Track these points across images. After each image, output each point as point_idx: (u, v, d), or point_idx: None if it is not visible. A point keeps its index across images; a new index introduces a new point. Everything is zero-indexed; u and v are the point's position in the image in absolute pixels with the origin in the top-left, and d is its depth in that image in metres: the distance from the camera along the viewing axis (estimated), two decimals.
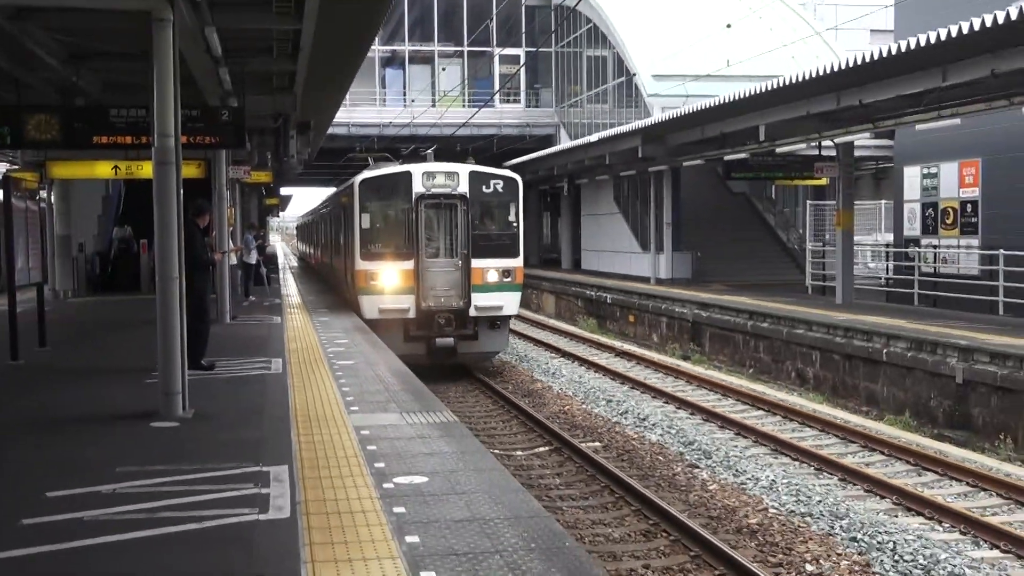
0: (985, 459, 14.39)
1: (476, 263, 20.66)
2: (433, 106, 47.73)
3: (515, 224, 21.40)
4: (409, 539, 6.25)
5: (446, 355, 20.15)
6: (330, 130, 36.13)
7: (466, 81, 50.92)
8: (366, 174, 21.85)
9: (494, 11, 49.23)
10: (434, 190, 20.32)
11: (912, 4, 28.52)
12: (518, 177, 21.84)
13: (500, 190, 21.16)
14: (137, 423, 9.93)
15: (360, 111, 45.20)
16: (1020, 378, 15.16)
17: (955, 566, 9.95)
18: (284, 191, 54.70)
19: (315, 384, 12.64)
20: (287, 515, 6.71)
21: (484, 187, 21.07)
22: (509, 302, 21.16)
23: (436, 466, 8.26)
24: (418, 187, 20.29)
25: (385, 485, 7.59)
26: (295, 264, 58.21)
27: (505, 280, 20.75)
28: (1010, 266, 22.49)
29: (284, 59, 17.08)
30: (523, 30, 50.84)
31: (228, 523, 6.54)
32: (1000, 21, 14.38)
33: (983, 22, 14.76)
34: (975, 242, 25.66)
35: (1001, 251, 22.96)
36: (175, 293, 10.32)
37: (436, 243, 20.61)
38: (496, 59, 51.11)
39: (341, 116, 35.82)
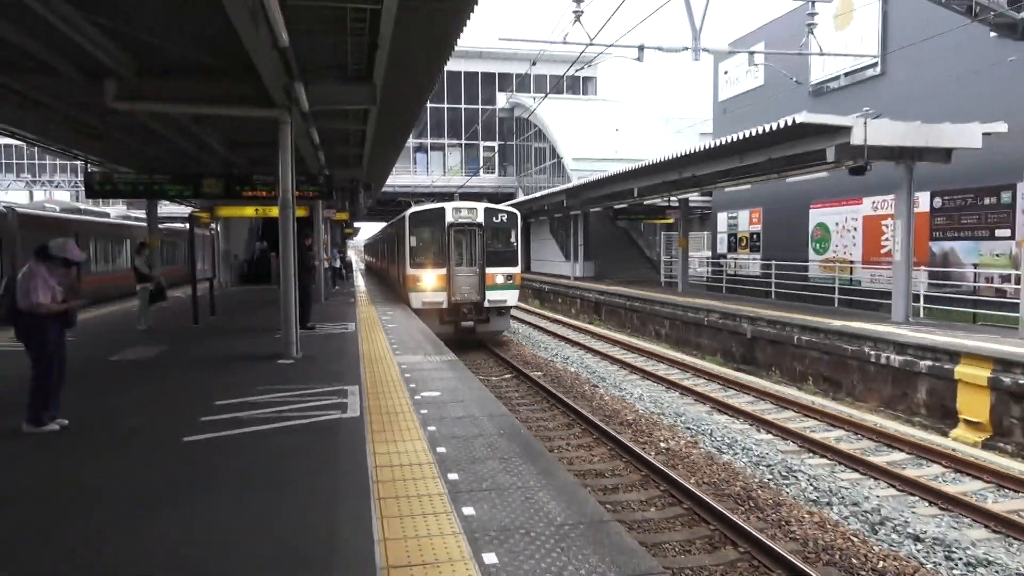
0: (764, 382, 14.82)
1: (489, 270, 18.58)
2: (443, 175, 48.55)
3: (515, 243, 19.15)
4: (430, 428, 6.41)
5: (468, 333, 18.46)
6: (383, 189, 36.40)
7: (463, 160, 51.95)
8: (413, 209, 19.29)
9: (479, 120, 50.13)
10: (460, 220, 18.47)
11: (723, 117, 29.25)
12: (518, 212, 19.56)
13: (505, 220, 19.03)
14: (269, 361, 10.02)
15: (401, 177, 45.51)
16: (783, 335, 15.69)
17: (746, 444, 10.41)
18: (356, 224, 55.29)
19: (374, 338, 12.68)
20: (358, 415, 6.85)
21: (495, 218, 18.88)
22: (511, 297, 19.16)
23: (445, 386, 8.40)
24: (449, 218, 18.38)
25: (415, 397, 7.72)
26: (363, 268, 58.19)
27: (508, 282, 18.83)
28: (778, 271, 23.19)
29: (356, 147, 17.33)
30: (497, 131, 52.39)
31: (323, 419, 6.68)
32: (771, 130, 14.90)
33: (761, 130, 15.24)
34: (758, 256, 26.28)
35: (773, 262, 23.62)
36: (290, 283, 10.44)
37: (461, 256, 18.56)
38: (480, 148, 52.44)
39: (390, 180, 35.90)
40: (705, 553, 6.89)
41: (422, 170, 51.45)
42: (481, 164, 51.71)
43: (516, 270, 19.14)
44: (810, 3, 12.59)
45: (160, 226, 22.76)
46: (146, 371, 9.63)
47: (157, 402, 7.78)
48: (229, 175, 14.63)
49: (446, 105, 51.83)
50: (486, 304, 18.72)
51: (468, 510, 4.47)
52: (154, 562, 3.85)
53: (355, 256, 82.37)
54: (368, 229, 66.88)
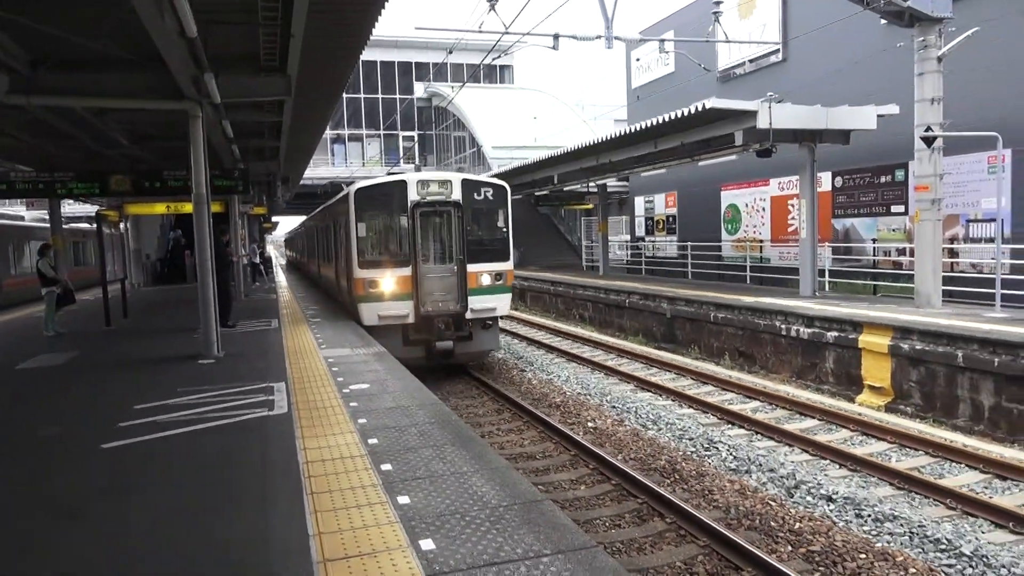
0: (684, 359, 15.32)
1: (471, 267, 13.33)
2: (363, 166, 47.62)
3: (504, 229, 13.93)
4: (360, 421, 6.34)
5: (444, 356, 13.22)
6: (302, 181, 35.45)
7: (382, 151, 51.17)
8: (361, 184, 13.93)
9: (398, 110, 49.30)
10: (429, 198, 13.17)
11: (636, 104, 29.79)
12: (506, 185, 14.10)
13: (490, 197, 13.73)
14: (188, 361, 9.70)
15: (319, 169, 44.35)
16: (700, 313, 16.22)
17: (669, 419, 10.71)
18: (275, 219, 53.84)
19: (299, 334, 12.42)
20: (286, 411, 6.71)
21: (475, 194, 13.62)
22: (502, 303, 13.80)
23: (374, 378, 8.30)
24: (413, 195, 13.07)
25: (344, 390, 7.61)
26: (283, 263, 56.86)
27: (497, 283, 13.62)
28: (693, 251, 23.90)
29: (272, 139, 16.74)
30: (416, 121, 51.85)
31: (250, 417, 6.51)
32: (682, 115, 15.30)
33: (673, 116, 15.61)
34: (674, 239, 27.02)
35: (689, 243, 24.33)
36: (208, 281, 10.09)
37: (432, 249, 13.42)
38: (400, 138, 51.62)
39: (308, 173, 34.83)
40: (634, 526, 7.08)
41: (340, 161, 50.49)
42: (401, 154, 51.06)
43: (508, 266, 13.87)
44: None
45: (65, 226, 21.60)
46: (57, 378, 9.16)
47: (70, 410, 7.42)
48: (138, 171, 14.02)
49: (363, 95, 50.97)
50: (469, 315, 13.30)
51: (403, 499, 4.46)
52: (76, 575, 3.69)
53: (274, 251, 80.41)
54: (287, 223, 65.35)
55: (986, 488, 7.87)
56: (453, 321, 13.15)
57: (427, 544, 3.80)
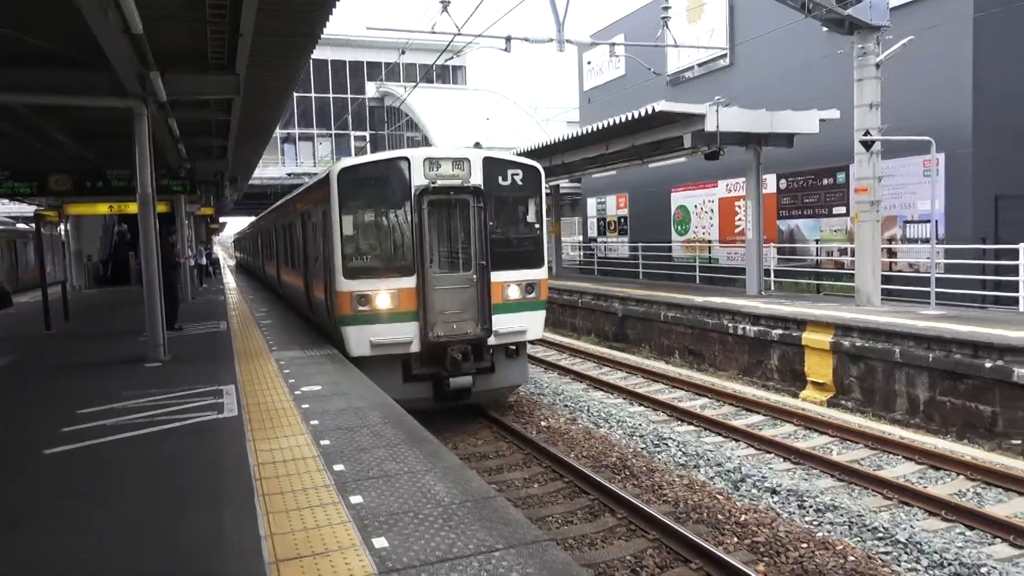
0: (635, 358, 15.57)
1: (495, 276, 10.13)
2: (314, 166, 46.89)
3: (538, 226, 10.71)
4: (312, 422, 6.32)
5: (458, 397, 10.15)
6: (251, 181, 34.67)
7: (333, 151, 50.49)
8: (347, 162, 10.31)
9: (349, 109, 48.78)
10: (440, 182, 9.89)
11: (588, 106, 30.12)
12: (539, 166, 10.79)
13: (520, 182, 10.50)
14: (135, 364, 9.48)
15: (269, 169, 43.54)
16: (651, 313, 16.52)
17: (620, 417, 10.77)
18: (223, 219, 52.57)
19: (249, 336, 12.22)
20: (236, 414, 6.65)
21: (501, 178, 10.39)
22: (534, 324, 10.56)
23: (326, 379, 8.26)
24: (418, 178, 9.79)
25: (296, 392, 7.57)
26: (232, 264, 55.69)
27: (528, 297, 10.44)
28: (644, 252, 24.29)
29: (219, 138, 16.44)
30: (368, 121, 51.34)
31: (199, 421, 6.43)
32: (632, 118, 15.57)
33: (624, 119, 15.88)
34: (626, 239, 27.43)
35: (640, 244, 24.72)
36: (154, 282, 9.87)
37: (445, 252, 10.32)
38: (352, 138, 51.01)
39: (258, 173, 34.07)
40: (586, 522, 7.21)
41: (291, 161, 49.75)
42: (353, 155, 50.70)
43: (542, 274, 10.68)
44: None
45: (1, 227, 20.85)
46: None
47: (10, 416, 7.21)
48: (80, 170, 13.63)
49: (314, 94, 50.34)
50: (492, 340, 10.20)
51: (356, 499, 4.48)
52: None
53: (222, 253, 78.93)
54: (237, 224, 64.15)
55: (920, 478, 8.22)
56: (472, 349, 9.95)
57: (380, 542, 3.84)
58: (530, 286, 10.52)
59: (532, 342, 11.34)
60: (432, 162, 9.89)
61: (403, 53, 23.96)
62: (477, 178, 10.06)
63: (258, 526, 4.11)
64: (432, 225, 9.93)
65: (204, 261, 30.38)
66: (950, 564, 6.05)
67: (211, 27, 8.76)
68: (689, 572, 6.10)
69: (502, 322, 10.18)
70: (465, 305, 10.03)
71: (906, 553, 6.30)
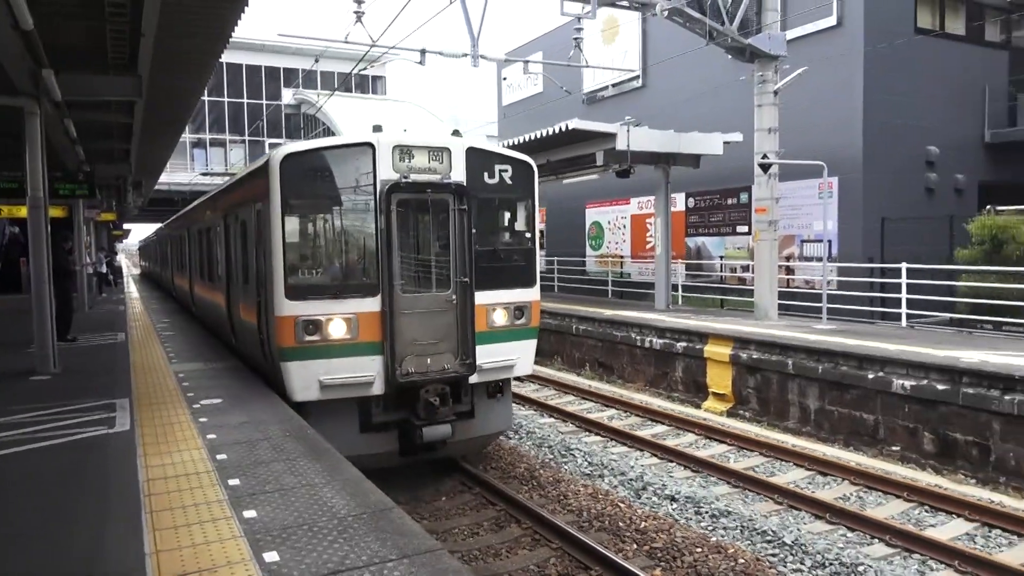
0: (548, 370, 15.73)
1: (480, 296, 8.18)
2: (225, 173, 45.75)
3: (529, 235, 8.80)
4: (209, 436, 6.14)
5: (429, 449, 8.18)
6: (156, 187, 32.88)
7: (246, 157, 48.83)
8: (293, 147, 7.78)
9: (264, 115, 47.47)
10: (414, 177, 7.84)
11: (505, 121, 30.48)
12: (533, 163, 8.83)
13: (509, 181, 8.55)
14: (21, 378, 8.95)
15: (177, 175, 41.89)
16: (563, 326, 16.78)
17: (530, 428, 10.91)
18: (127, 226, 50.01)
19: (148, 348, 11.73)
20: (128, 428, 6.38)
21: (487, 175, 8.38)
22: (523, 356, 8.70)
23: (227, 392, 8.04)
24: (386, 171, 7.71)
25: (194, 405, 7.35)
26: (136, 274, 53.05)
27: (517, 323, 8.55)
28: (560, 266, 24.70)
29: (122, 141, 15.70)
30: (283, 128, 50.03)
31: (87, 436, 6.14)
32: (548, 134, 15.85)
33: (540, 135, 16.13)
34: (543, 253, 27.84)
35: (556, 258, 25.12)
36: (45, 291, 9.31)
37: (417, 266, 8.21)
38: (266, 145, 49.45)
39: (164, 178, 32.43)
40: (492, 533, 7.26)
41: (201, 167, 48.10)
42: None
43: (533, 294, 8.80)
44: (577, 19, 13.57)
45: None
46: None
47: None
48: None
49: (227, 99, 48.95)
50: (475, 378, 8.26)
51: (250, 513, 4.39)
52: None
53: (126, 260, 75.30)
54: (142, 231, 61.34)
55: (809, 483, 8.68)
56: (451, 388, 8.00)
57: (271, 556, 3.78)
58: (519, 310, 8.53)
59: (519, 378, 8.88)
60: (404, 151, 7.80)
61: (317, 61, 23.54)
62: (459, 173, 8.05)
63: (144, 544, 3.98)
64: (402, 232, 7.83)
65: (104, 269, 29.01)
66: (831, 564, 6.41)
67: (111, 26, 8.46)
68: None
69: (486, 354, 8.15)
70: (442, 334, 7.95)
71: (792, 555, 6.64)
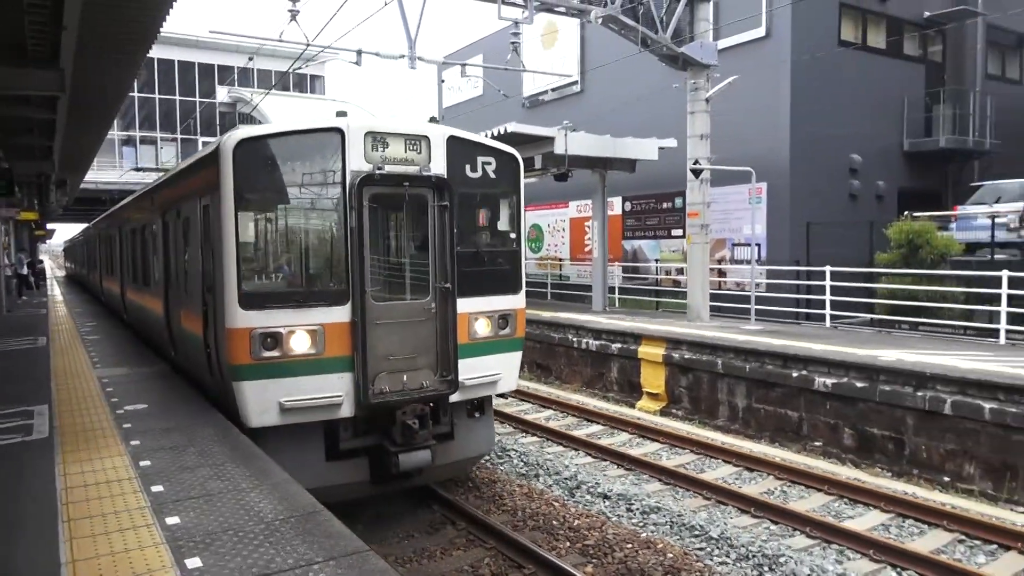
0: None
1: (463, 304, 7.31)
2: (159, 169, 44.24)
3: (514, 236, 7.95)
4: (133, 442, 5.97)
5: (408, 477, 7.32)
6: (83, 185, 31.41)
7: (179, 156, 47.32)
8: (248, 131, 6.55)
9: (198, 113, 46.21)
10: (389, 168, 6.91)
11: (446, 124, 30.41)
12: (518, 155, 8.11)
13: (492, 175, 7.67)
14: None
15: (105, 173, 40.33)
16: None
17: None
18: (51, 226, 47.76)
19: (71, 353, 11.30)
20: (46, 435, 6.17)
21: (469, 167, 7.49)
22: (508, 369, 7.86)
23: (153, 398, 7.81)
24: (357, 161, 6.77)
25: (118, 411, 7.13)
26: (61, 276, 50.72)
27: (502, 333, 7.73)
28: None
29: (43, 137, 15.04)
30: (218, 126, 48.64)
31: (1, 444, 5.92)
32: (487, 137, 15.91)
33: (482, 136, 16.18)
34: None
35: None
36: None
37: (391, 270, 7.28)
38: (200, 143, 48.06)
39: (91, 176, 31.15)
40: (427, 536, 7.26)
41: (131, 165, 46.49)
42: None
43: (518, 301, 7.97)
44: (515, 24, 13.68)
45: None
46: None
47: None
48: None
49: (158, 95, 47.47)
50: (456, 396, 7.41)
51: (173, 520, 4.30)
52: None
53: (50, 261, 72.20)
54: (68, 231, 58.83)
55: (737, 479, 8.95)
56: (431, 408, 7.23)
57: (194, 563, 3.72)
58: (504, 319, 7.69)
59: (503, 395, 8.12)
60: (377, 138, 6.91)
61: (251, 59, 23.05)
62: (439, 165, 7.20)
63: (59, 553, 3.86)
64: (375, 231, 6.98)
65: (25, 270, 27.74)
66: (754, 556, 6.64)
67: (29, 17, 8.12)
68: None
69: (467, 369, 7.30)
70: (420, 347, 7.08)
71: (718, 548, 6.84)
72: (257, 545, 3.93)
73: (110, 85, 11.63)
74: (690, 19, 14.83)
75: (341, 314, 6.70)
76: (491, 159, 7.70)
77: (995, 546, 6.93)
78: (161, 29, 9.31)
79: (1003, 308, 11.41)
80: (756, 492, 8.37)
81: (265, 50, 24.36)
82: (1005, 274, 11.40)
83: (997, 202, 15.84)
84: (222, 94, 48.66)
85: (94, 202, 38.87)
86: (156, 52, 10.34)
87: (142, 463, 5.44)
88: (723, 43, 16.75)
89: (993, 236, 13.86)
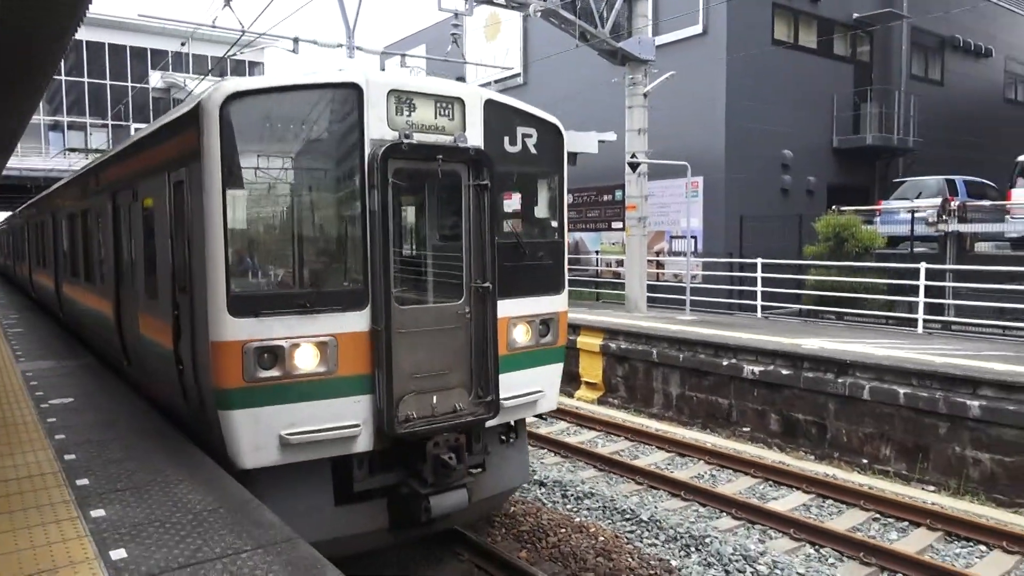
0: None
1: (504, 305, 5.88)
2: (85, 157, 42.24)
3: (556, 224, 6.56)
4: (58, 436, 5.85)
5: (428, 525, 5.72)
6: (4, 172, 30.25)
7: (110, 142, 45.55)
8: (239, 84, 4.94)
9: (130, 98, 44.62)
10: (418, 137, 5.38)
11: None
12: (562, 127, 6.56)
13: (533, 150, 6.20)
14: None
15: (29, 160, 38.61)
16: None
17: None
18: None
19: None
20: None
21: (508, 140, 6.02)
22: (549, 386, 6.49)
23: (80, 391, 7.63)
24: (378, 127, 5.25)
25: (42, 405, 6.95)
26: None
27: (543, 341, 6.34)
28: None
29: None
30: (151, 111, 47.01)
31: None
32: None
33: None
34: None
35: None
36: None
37: (414, 267, 5.99)
38: (132, 129, 46.30)
39: (14, 163, 29.95)
40: None
41: (58, 151, 44.60)
42: None
43: (561, 303, 6.68)
44: (455, 15, 13.71)
45: None
46: None
47: None
48: None
49: (87, 79, 45.68)
50: (492, 419, 5.88)
51: (98, 512, 4.26)
52: None
53: None
54: None
55: (669, 464, 9.24)
56: (465, 435, 5.83)
57: (119, 554, 3.71)
58: (545, 324, 6.43)
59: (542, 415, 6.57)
60: (402, 99, 5.48)
61: (183, 45, 22.40)
62: (476, 135, 5.81)
63: None
64: (399, 216, 5.84)
65: None
66: (682, 537, 6.89)
67: None
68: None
69: (505, 386, 5.98)
70: (452, 361, 5.75)
71: (648, 530, 7.09)
72: (184, 536, 3.93)
73: (31, 67, 11.19)
74: (629, 15, 15.11)
75: (358, 321, 5.27)
76: (532, 130, 6.33)
77: (907, 523, 7.34)
78: (88, 10, 9.03)
79: (920, 299, 12.01)
80: (687, 476, 8.66)
81: (201, 35, 23.69)
82: (923, 266, 12.00)
83: (918, 197, 16.62)
84: (155, 79, 47.22)
85: (18, 189, 37.25)
86: (85, 34, 9.99)
87: (67, 457, 5.35)
88: (661, 39, 17.08)
89: (913, 230, 14.54)
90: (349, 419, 5.26)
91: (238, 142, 4.92)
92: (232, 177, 4.93)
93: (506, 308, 5.97)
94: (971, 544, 6.85)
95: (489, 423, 5.89)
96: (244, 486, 4.75)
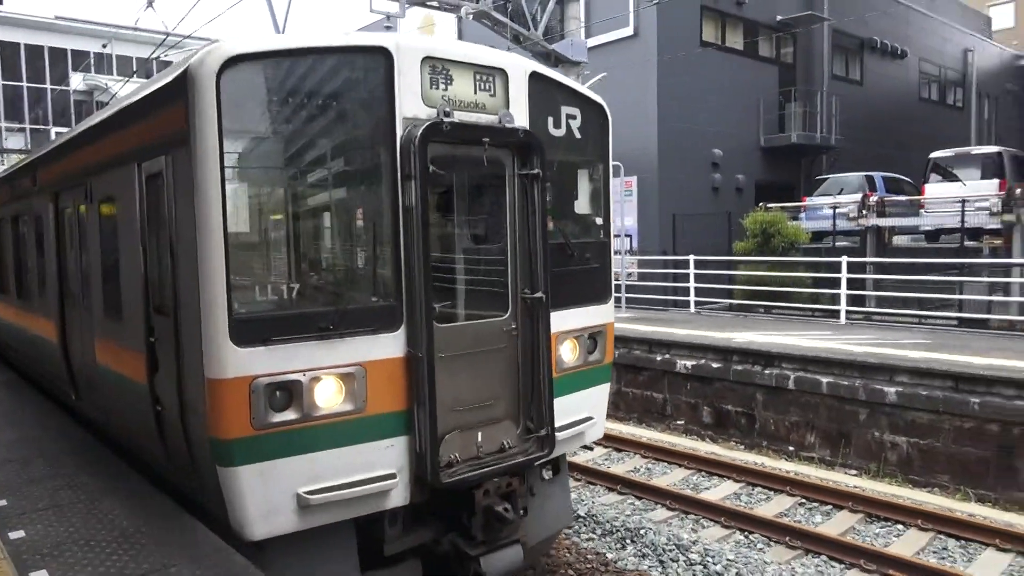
0: None
1: (556, 318, 4.74)
2: (1, 165, 40.41)
3: (600, 221, 5.45)
4: None
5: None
6: None
7: (28, 145, 43.66)
8: (235, 47, 3.54)
9: (49, 100, 42.87)
10: (459, 116, 4.20)
11: None
12: (607, 107, 5.39)
13: (578, 133, 5.02)
14: None
15: None
16: None
17: None
18: None
19: None
20: None
21: (552, 120, 4.83)
22: (597, 410, 5.40)
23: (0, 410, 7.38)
24: (411, 102, 4.08)
25: None
26: None
27: (590, 359, 5.20)
28: None
29: None
30: (72, 115, 45.19)
31: None
32: None
33: None
34: None
35: None
36: None
37: (448, 275, 4.62)
38: (52, 134, 44.39)
39: None
40: None
41: None
42: None
43: (607, 313, 5.55)
44: (387, 17, 13.67)
45: None
46: None
47: None
48: None
49: (2, 81, 43.69)
50: (547, 457, 4.82)
51: (17, 534, 4.15)
52: None
53: None
54: None
55: (606, 460, 9.46)
56: (515, 477, 4.81)
57: (39, 575, 3.62)
58: (593, 339, 5.39)
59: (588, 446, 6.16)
60: (438, 68, 4.39)
61: (105, 46, 21.71)
62: (521, 114, 4.75)
63: None
64: (440, 211, 4.87)
65: None
66: (618, 530, 7.07)
67: None
68: None
69: (565, 409, 5.04)
70: (498, 388, 4.74)
71: (585, 525, 7.24)
72: (110, 554, 3.87)
73: None
74: (561, 17, 15.33)
75: (391, 345, 4.19)
76: (576, 111, 5.23)
77: (830, 507, 7.69)
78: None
79: (843, 291, 12.55)
80: (623, 471, 8.86)
81: (124, 36, 23.00)
82: (844, 260, 12.54)
83: (840, 193, 17.34)
84: (76, 81, 45.48)
85: None
86: None
87: None
88: (593, 41, 17.36)
89: (835, 225, 15.17)
90: (382, 468, 4.18)
91: (240, 120, 3.78)
92: (232, 166, 3.79)
93: (553, 322, 4.84)
94: (889, 524, 7.22)
95: (544, 454, 4.78)
96: (245, 556, 3.84)
